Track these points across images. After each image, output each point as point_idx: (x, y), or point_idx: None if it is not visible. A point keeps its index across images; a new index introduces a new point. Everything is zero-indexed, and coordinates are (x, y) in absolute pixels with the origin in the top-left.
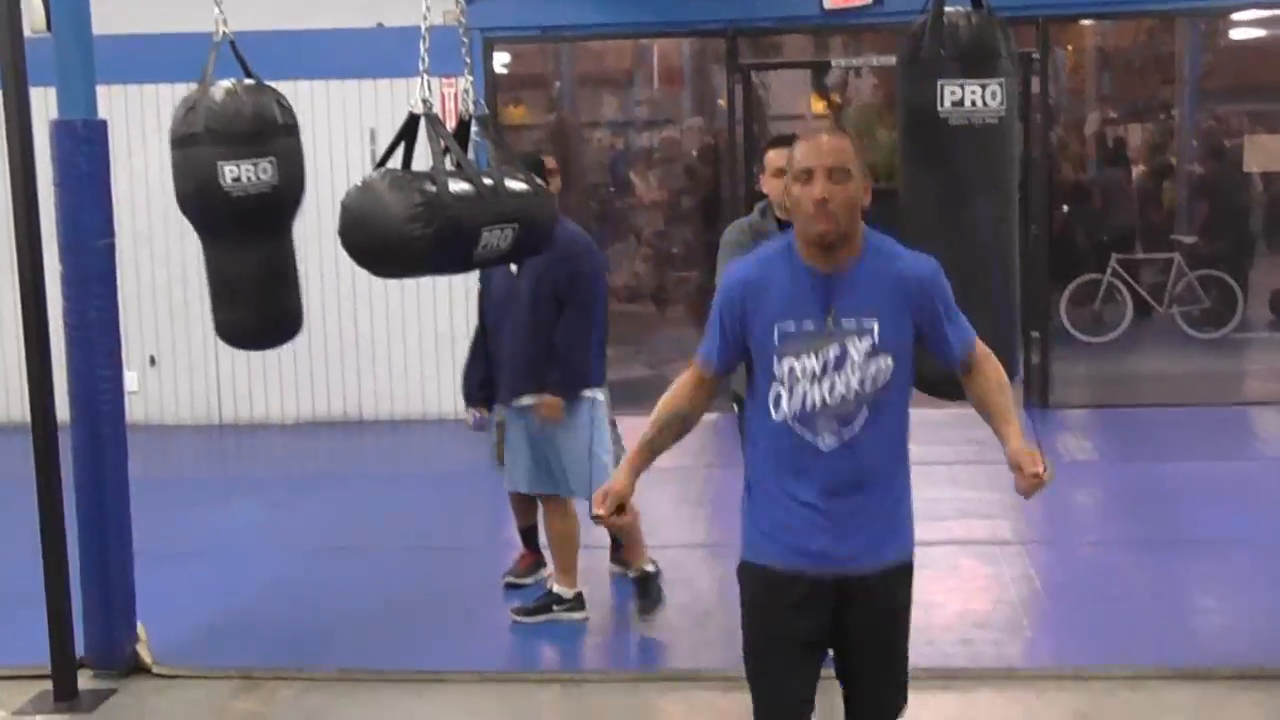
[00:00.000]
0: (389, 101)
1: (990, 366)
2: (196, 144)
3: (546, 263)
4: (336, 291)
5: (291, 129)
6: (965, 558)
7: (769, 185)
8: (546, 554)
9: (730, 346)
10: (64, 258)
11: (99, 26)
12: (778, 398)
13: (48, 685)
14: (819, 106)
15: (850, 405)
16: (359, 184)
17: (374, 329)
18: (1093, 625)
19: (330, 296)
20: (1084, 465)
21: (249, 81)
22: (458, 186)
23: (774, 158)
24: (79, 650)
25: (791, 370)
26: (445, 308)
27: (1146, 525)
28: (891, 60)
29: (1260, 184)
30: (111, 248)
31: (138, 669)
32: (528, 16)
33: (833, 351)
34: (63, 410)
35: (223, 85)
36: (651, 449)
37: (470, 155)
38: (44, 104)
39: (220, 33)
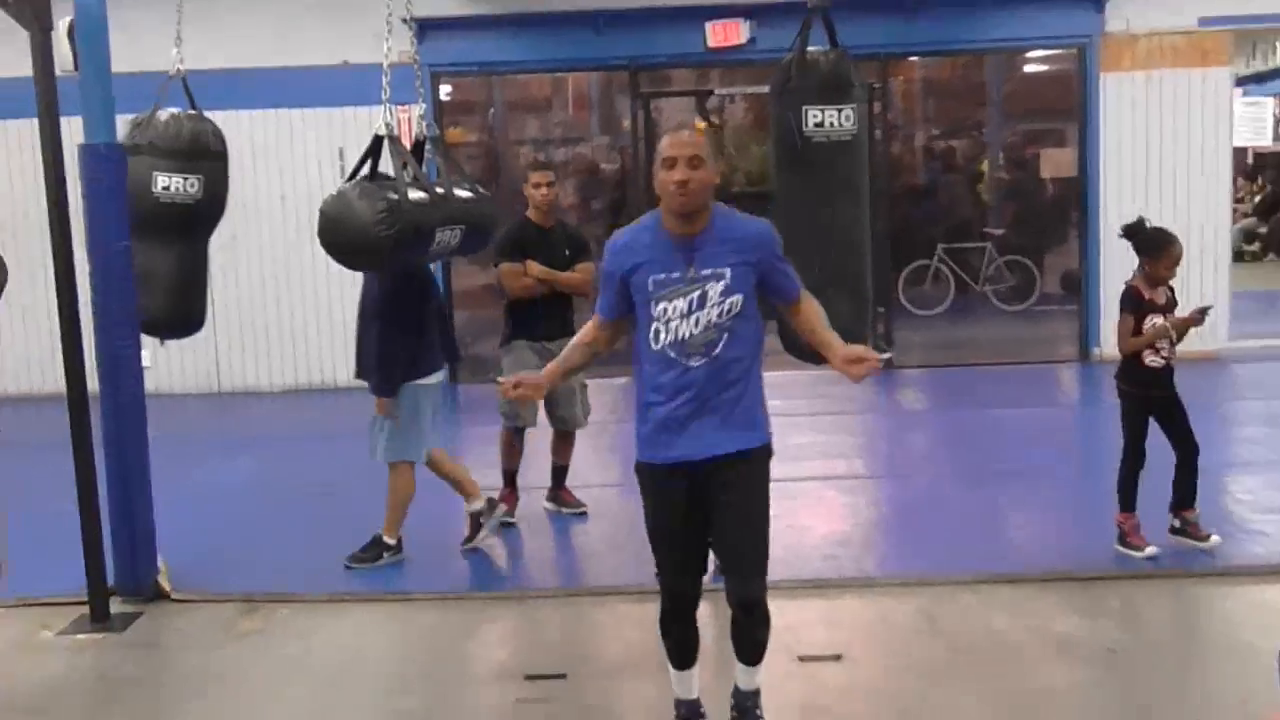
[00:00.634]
0: (354, 125)
1: (812, 303)
2: (139, 154)
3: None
4: (314, 280)
5: (221, 155)
6: (827, 490)
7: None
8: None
9: (617, 296)
10: (91, 257)
11: (118, 65)
12: (657, 332)
13: (85, 610)
14: (702, 127)
15: (712, 333)
16: (333, 193)
17: (346, 312)
18: (933, 541)
19: (309, 285)
20: (920, 413)
21: (192, 111)
22: (416, 194)
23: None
24: (110, 580)
25: (665, 310)
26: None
27: (971, 460)
28: (762, 89)
29: (1051, 188)
30: (129, 249)
31: (159, 595)
32: (468, 54)
33: (695, 294)
34: (92, 382)
35: (170, 111)
36: (564, 366)
37: (424, 169)
38: (72, 131)
39: (176, 69)
